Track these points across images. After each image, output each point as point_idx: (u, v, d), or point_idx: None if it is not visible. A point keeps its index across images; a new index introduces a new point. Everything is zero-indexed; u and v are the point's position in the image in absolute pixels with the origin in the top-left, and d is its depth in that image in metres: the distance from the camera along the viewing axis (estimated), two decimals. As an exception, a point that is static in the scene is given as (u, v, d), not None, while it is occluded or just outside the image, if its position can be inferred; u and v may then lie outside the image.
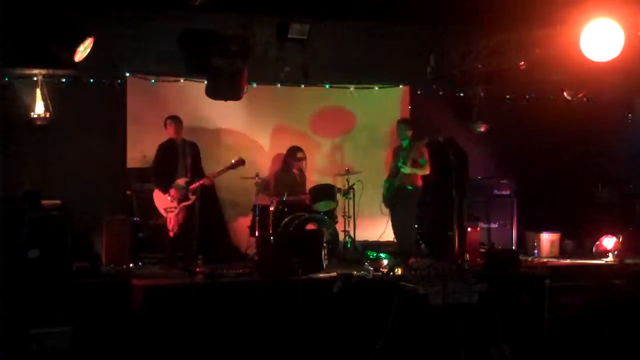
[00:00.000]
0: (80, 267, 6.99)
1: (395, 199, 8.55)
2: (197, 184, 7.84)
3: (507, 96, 10.17)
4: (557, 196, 9.59)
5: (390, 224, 8.78)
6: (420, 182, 8.51)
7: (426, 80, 9.66)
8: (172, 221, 7.82)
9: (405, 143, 8.55)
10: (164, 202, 7.82)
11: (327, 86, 9.63)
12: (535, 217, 9.19)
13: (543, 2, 7.32)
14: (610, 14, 6.69)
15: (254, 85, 8.99)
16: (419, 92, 10.00)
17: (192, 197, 7.83)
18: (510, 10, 7.75)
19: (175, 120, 7.96)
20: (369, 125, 9.86)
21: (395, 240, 8.75)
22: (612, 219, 8.92)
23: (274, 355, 6.31)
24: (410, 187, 8.43)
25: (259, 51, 8.73)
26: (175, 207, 7.78)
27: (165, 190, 7.79)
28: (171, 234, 7.83)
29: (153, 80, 8.82)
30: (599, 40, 6.70)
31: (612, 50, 6.72)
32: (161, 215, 7.98)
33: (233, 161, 8.04)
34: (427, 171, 8.46)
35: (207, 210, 8.20)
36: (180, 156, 7.89)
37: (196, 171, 7.95)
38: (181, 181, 7.82)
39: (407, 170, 8.34)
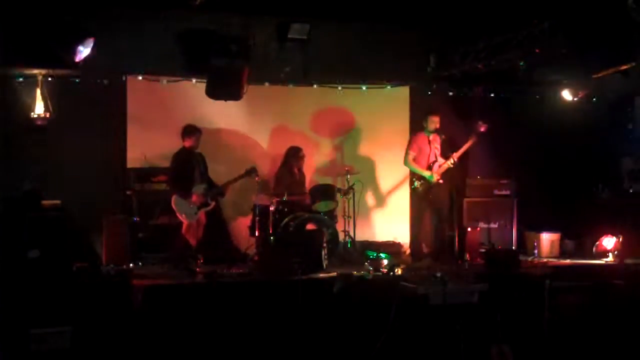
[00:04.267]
0: (80, 267, 6.99)
1: (432, 194, 8.59)
2: (214, 190, 8.14)
3: (507, 96, 10.16)
4: (557, 196, 9.58)
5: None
6: None
7: (426, 80, 9.67)
8: (191, 227, 7.97)
9: (430, 135, 8.61)
10: (184, 207, 7.95)
11: (327, 86, 9.62)
12: (535, 217, 9.18)
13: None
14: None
15: (254, 85, 8.98)
16: (419, 92, 9.99)
17: (212, 203, 8.12)
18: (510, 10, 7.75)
19: (200, 132, 8.20)
20: (369, 125, 9.84)
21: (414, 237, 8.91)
22: (612, 219, 8.90)
23: (274, 355, 6.31)
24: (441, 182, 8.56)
25: (259, 51, 8.72)
26: (196, 213, 7.97)
27: (186, 196, 7.95)
28: (193, 240, 7.99)
29: (153, 80, 8.83)
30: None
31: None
32: (161, 215, 8.03)
33: (244, 170, 8.20)
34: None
35: (212, 214, 8.33)
36: (195, 165, 8.14)
37: (207, 179, 8.23)
38: (200, 188, 8.04)
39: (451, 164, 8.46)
